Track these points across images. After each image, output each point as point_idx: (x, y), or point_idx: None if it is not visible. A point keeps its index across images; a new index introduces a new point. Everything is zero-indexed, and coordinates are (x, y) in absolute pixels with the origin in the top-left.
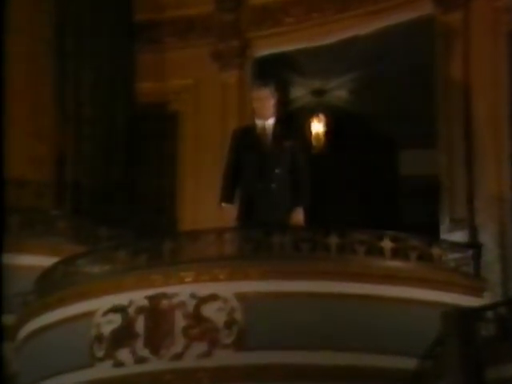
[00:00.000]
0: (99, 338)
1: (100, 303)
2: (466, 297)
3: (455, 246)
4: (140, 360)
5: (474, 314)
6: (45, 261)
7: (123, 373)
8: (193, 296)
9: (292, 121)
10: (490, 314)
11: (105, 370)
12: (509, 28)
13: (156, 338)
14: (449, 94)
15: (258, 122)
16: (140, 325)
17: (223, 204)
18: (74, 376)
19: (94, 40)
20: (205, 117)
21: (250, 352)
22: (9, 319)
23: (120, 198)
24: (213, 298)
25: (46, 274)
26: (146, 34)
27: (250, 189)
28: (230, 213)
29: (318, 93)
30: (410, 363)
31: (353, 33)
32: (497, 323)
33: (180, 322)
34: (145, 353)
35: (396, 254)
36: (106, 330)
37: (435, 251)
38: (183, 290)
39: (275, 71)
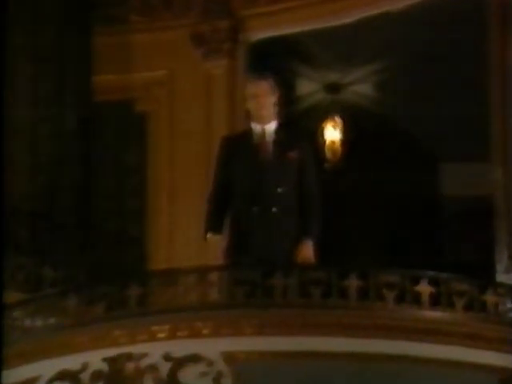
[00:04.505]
0: None
1: (44, 368)
2: None
3: None
4: None
5: None
6: None
7: None
8: (167, 357)
9: (299, 125)
10: None
11: None
12: None
13: None
14: (505, 90)
15: (255, 127)
16: None
17: (209, 234)
18: None
19: (35, 18)
20: (183, 119)
21: None
22: None
23: (70, 227)
24: (194, 359)
25: None
26: (106, 11)
27: (243, 214)
28: (217, 246)
29: (334, 88)
30: None
31: (380, 9)
32: None
33: None
34: None
35: (437, 301)
36: None
37: (489, 298)
38: (155, 350)
39: (276, 60)
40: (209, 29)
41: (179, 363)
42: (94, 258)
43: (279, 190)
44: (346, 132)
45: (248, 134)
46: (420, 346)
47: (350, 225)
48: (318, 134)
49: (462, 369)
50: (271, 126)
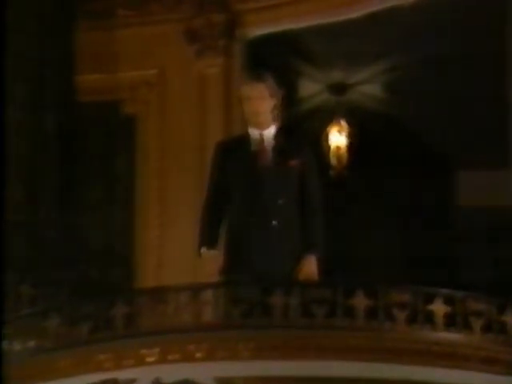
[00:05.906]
0: None
1: None
2: None
3: None
4: None
5: None
6: None
7: None
8: (157, 383)
9: (301, 129)
10: None
11: None
12: None
13: None
14: None
15: (253, 132)
16: None
17: (203, 249)
18: None
19: (14, 13)
20: (175, 122)
21: None
22: None
23: (51, 240)
24: None
25: None
26: (91, 5)
27: (241, 227)
28: (211, 262)
29: (339, 89)
30: None
31: (389, 3)
32: None
33: None
34: None
35: (452, 322)
36: None
37: (509, 319)
38: (143, 375)
39: (276, 58)
40: (203, 24)
41: None
42: (76, 275)
43: (279, 201)
44: (352, 136)
45: (245, 139)
46: (433, 370)
47: (356, 238)
48: (321, 138)
49: None
50: (270, 131)
